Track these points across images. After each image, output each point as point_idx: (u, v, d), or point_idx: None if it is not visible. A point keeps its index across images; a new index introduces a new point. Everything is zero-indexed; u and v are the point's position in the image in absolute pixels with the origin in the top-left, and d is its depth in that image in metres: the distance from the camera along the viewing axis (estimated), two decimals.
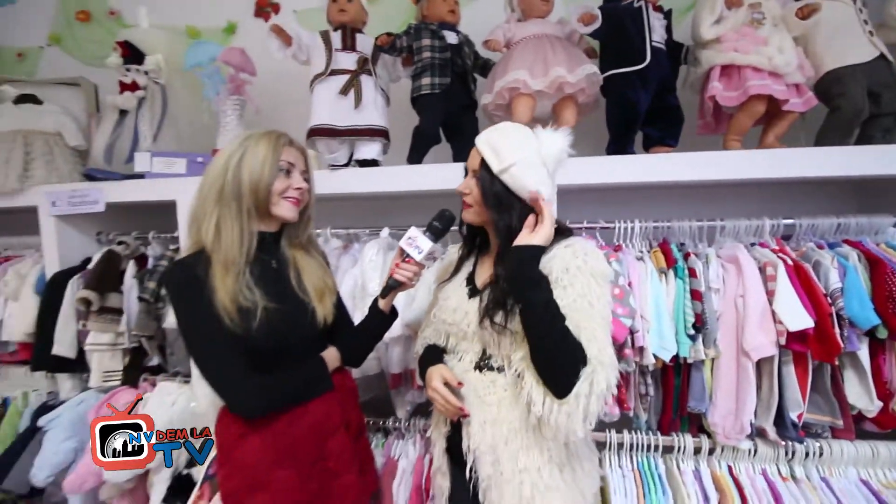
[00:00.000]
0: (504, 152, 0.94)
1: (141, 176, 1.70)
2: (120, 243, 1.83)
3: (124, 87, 1.74)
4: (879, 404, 1.28)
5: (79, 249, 1.89)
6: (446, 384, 1.00)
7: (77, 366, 1.82)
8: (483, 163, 0.97)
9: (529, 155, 0.95)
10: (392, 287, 1.12)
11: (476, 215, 1.02)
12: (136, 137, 1.75)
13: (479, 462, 0.98)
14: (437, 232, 1.10)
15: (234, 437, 1.01)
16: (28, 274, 1.88)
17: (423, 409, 1.64)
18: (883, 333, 1.25)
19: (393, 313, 1.20)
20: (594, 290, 0.90)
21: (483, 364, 1.02)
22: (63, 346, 1.75)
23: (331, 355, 1.13)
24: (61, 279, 1.77)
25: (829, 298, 1.27)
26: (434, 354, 1.11)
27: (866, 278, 1.30)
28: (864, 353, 1.29)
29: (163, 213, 2.10)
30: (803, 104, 1.37)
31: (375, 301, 1.18)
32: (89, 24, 2.34)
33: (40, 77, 2.32)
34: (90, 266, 1.78)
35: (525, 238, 0.92)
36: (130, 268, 1.77)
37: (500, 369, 1.00)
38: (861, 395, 1.31)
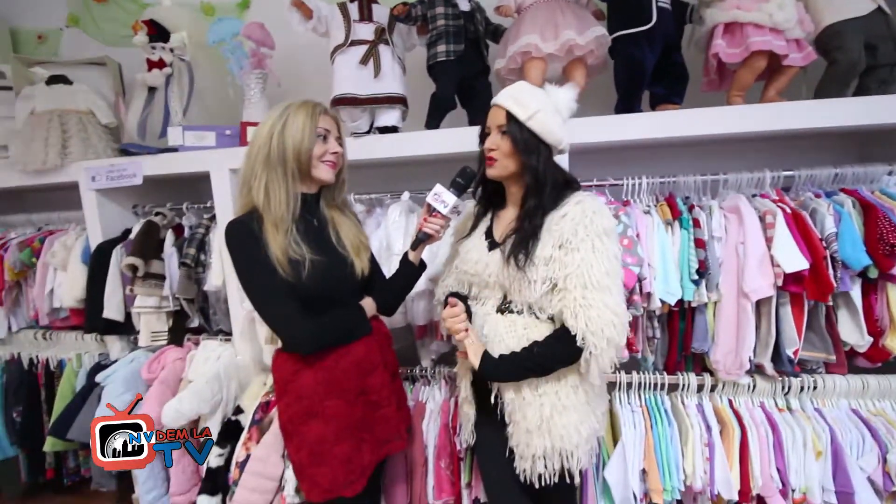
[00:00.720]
0: (527, 102, 1.05)
1: (175, 149, 1.80)
2: (157, 214, 1.95)
3: (152, 64, 1.83)
4: (870, 340, 1.39)
5: (118, 221, 2.02)
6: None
7: (125, 328, 1.98)
8: (509, 116, 1.06)
9: (547, 104, 1.07)
10: (421, 240, 1.24)
11: (503, 169, 1.11)
12: (167, 113, 1.84)
13: (504, 389, 1.12)
14: (460, 187, 1.21)
15: (291, 373, 1.16)
16: (74, 245, 2.01)
17: (447, 358, 1.78)
18: (874, 273, 1.35)
19: (422, 265, 1.32)
20: (598, 248, 1.01)
21: (504, 308, 1.14)
22: (112, 309, 1.90)
23: (368, 304, 1.26)
24: (106, 248, 1.90)
25: (824, 242, 1.35)
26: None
27: (860, 223, 1.38)
28: (856, 293, 1.39)
29: (192, 185, 2.22)
30: (803, 59, 1.42)
31: (405, 255, 1.30)
32: (106, 4, 2.39)
33: (62, 58, 2.40)
34: (131, 236, 1.90)
35: (474, 365, 1.10)
36: (169, 237, 1.89)
37: (520, 312, 1.11)
38: (853, 332, 1.42)
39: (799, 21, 1.38)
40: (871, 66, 1.41)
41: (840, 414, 1.46)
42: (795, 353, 1.42)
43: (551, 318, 1.09)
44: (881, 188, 1.46)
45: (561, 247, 1.03)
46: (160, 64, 1.82)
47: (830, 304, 1.41)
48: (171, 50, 1.83)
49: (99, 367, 1.98)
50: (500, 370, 1.08)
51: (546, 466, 1.07)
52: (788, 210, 1.42)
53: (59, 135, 1.91)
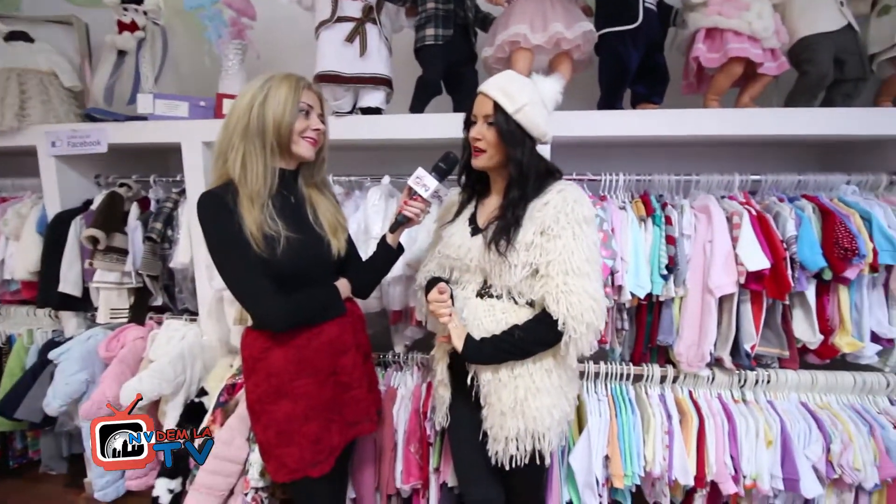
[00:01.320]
0: (515, 95, 1.06)
1: (144, 118, 1.71)
2: (122, 185, 1.86)
3: (123, 27, 1.73)
4: (821, 337, 1.48)
5: (77, 191, 1.92)
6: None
7: (81, 304, 1.88)
8: (496, 107, 1.06)
9: (534, 96, 1.08)
10: (401, 222, 1.23)
11: (489, 159, 1.11)
12: (137, 79, 1.75)
13: (481, 370, 1.13)
14: (442, 172, 1.21)
15: (260, 351, 1.13)
16: (28, 214, 1.90)
17: (420, 344, 1.78)
18: (828, 275, 1.43)
19: (399, 249, 1.30)
20: (578, 235, 1.03)
21: (484, 292, 1.15)
22: (69, 283, 1.80)
23: (342, 285, 1.24)
24: (65, 219, 1.80)
25: (784, 244, 1.43)
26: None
27: (818, 228, 1.46)
28: (810, 293, 1.47)
29: (161, 157, 2.13)
30: (776, 68, 1.49)
31: (383, 238, 1.28)
32: None
33: (24, 13, 2.23)
34: (93, 207, 1.81)
35: (458, 348, 1.11)
36: (134, 209, 1.81)
37: (499, 297, 1.13)
38: (806, 330, 1.50)
39: (775, 31, 1.44)
40: (837, 79, 1.49)
41: (790, 406, 1.55)
42: (753, 347, 1.50)
43: (529, 303, 1.10)
44: (839, 196, 1.55)
45: (542, 233, 1.05)
46: (132, 27, 1.73)
47: (787, 302, 1.49)
48: (145, 13, 1.74)
49: (52, 344, 1.88)
50: (483, 353, 1.09)
51: (518, 448, 1.09)
52: (754, 212, 1.49)
53: (17, 95, 1.78)
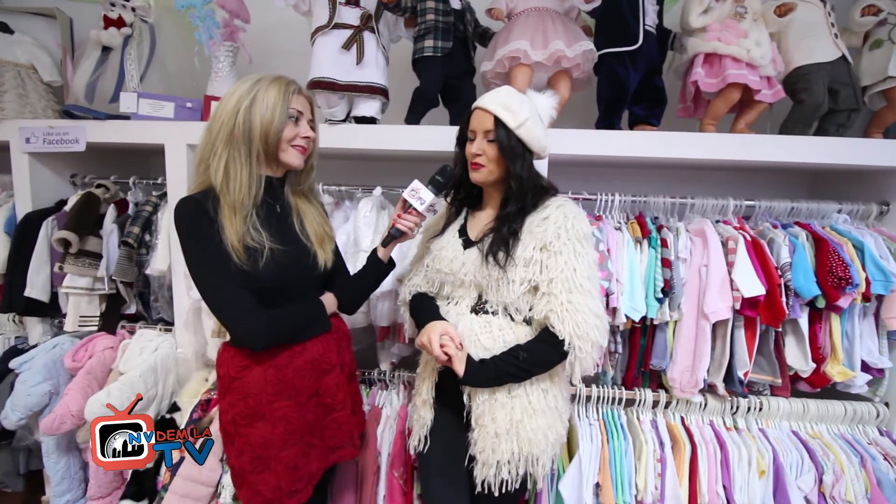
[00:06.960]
0: (517, 110, 1.04)
1: (126, 117, 1.64)
2: (99, 186, 1.77)
3: (109, 22, 1.66)
4: (813, 366, 1.47)
5: (51, 190, 1.82)
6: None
7: (49, 310, 1.77)
8: (497, 123, 1.05)
9: (533, 111, 1.07)
10: (394, 236, 1.18)
11: (489, 174, 1.09)
12: (122, 77, 1.68)
13: (476, 391, 1.08)
14: (439, 185, 1.17)
15: (237, 369, 1.06)
16: None
17: (407, 362, 1.72)
18: (821, 303, 1.42)
19: (391, 263, 1.25)
20: (580, 253, 1.02)
21: (479, 308, 1.11)
22: (36, 288, 1.70)
23: (328, 300, 1.19)
24: (35, 219, 1.70)
25: (779, 271, 1.42)
26: (427, 301, 1.20)
27: (812, 255, 1.46)
28: (803, 321, 1.46)
29: (142, 159, 2.05)
30: (773, 96, 1.49)
31: (374, 252, 1.23)
32: None
33: (4, 3, 2.14)
34: (66, 208, 1.71)
35: (459, 373, 1.04)
36: (110, 212, 1.72)
37: (495, 313, 1.09)
38: (798, 358, 1.49)
39: (772, 60, 1.45)
40: (831, 109, 1.50)
41: (781, 435, 1.53)
42: (746, 374, 1.48)
43: (526, 321, 1.07)
44: (831, 224, 1.55)
45: (542, 249, 1.03)
46: (119, 23, 1.66)
47: (780, 329, 1.48)
48: (133, 9, 1.68)
49: (14, 352, 1.77)
50: (486, 376, 1.04)
51: (510, 472, 1.05)
52: (749, 237, 1.48)
53: None
